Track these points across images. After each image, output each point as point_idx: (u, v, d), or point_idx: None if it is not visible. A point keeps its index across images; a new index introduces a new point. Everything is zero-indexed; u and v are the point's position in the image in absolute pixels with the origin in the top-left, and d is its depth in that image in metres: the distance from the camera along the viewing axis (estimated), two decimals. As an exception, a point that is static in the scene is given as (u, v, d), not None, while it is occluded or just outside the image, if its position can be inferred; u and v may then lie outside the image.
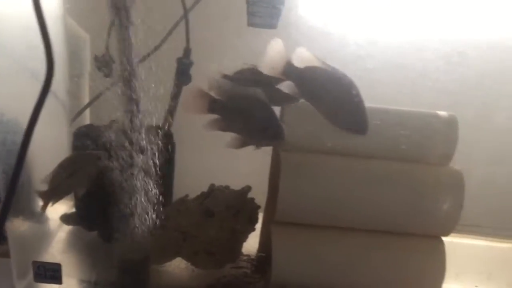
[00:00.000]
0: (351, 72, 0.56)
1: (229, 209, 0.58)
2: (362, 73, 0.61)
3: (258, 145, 0.56)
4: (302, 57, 0.53)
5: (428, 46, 0.63)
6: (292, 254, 0.54)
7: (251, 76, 0.56)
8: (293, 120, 0.54)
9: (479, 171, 0.63)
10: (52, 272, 0.50)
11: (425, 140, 0.54)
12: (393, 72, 0.63)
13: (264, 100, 0.53)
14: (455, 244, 0.67)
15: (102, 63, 0.56)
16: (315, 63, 0.53)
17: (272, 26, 0.57)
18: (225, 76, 0.56)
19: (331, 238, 0.54)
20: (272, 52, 0.53)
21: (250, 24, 0.60)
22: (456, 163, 0.55)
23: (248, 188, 0.58)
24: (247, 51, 0.63)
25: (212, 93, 0.55)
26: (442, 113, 0.55)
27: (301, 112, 0.55)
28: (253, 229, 0.60)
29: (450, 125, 0.54)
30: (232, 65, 0.59)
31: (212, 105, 0.54)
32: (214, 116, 0.55)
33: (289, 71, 0.53)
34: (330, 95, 0.53)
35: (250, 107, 0.54)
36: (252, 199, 0.59)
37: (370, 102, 0.54)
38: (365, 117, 0.52)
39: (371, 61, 0.63)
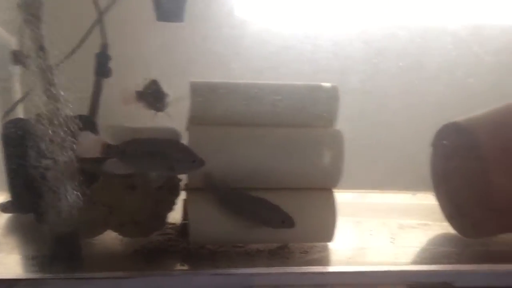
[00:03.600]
0: (256, 54, 0.66)
1: (151, 183, 0.66)
2: (268, 55, 0.70)
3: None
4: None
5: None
6: (206, 216, 0.63)
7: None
8: (199, 98, 0.63)
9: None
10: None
11: (311, 108, 0.64)
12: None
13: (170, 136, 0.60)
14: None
15: (19, 58, 0.62)
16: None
17: (179, 19, 0.64)
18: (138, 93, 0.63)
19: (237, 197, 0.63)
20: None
21: (159, 19, 0.67)
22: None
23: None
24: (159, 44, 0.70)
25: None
26: (325, 84, 0.65)
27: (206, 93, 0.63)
28: (174, 202, 0.68)
29: (332, 94, 0.64)
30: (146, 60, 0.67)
31: (107, 150, 0.58)
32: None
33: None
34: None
35: (153, 147, 0.58)
36: (174, 174, 0.67)
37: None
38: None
39: (271, 46, 0.73)
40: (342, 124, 0.65)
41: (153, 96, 0.65)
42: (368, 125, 0.74)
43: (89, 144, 0.58)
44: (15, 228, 0.68)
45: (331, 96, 0.65)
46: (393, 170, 0.80)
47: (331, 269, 0.63)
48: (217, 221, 0.63)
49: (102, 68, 0.71)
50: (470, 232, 0.67)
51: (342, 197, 0.77)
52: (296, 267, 0.62)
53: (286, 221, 0.61)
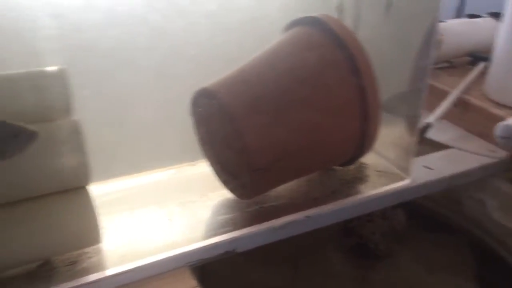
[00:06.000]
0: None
1: None
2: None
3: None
4: None
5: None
6: None
7: None
8: None
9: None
10: None
11: (38, 99, 0.54)
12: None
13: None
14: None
15: None
16: None
17: None
18: None
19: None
20: None
21: None
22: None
23: None
24: None
25: None
26: (51, 68, 0.55)
27: None
28: None
29: (60, 80, 0.54)
30: None
31: None
32: None
33: None
34: None
35: None
36: None
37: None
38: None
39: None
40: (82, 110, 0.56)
41: None
42: (111, 107, 0.66)
43: None
44: None
45: (59, 82, 0.54)
46: (158, 148, 0.75)
47: (105, 273, 0.56)
48: None
49: None
50: (243, 194, 0.67)
51: (105, 189, 0.71)
52: (61, 284, 0.54)
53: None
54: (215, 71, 0.62)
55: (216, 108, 0.61)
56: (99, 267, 0.57)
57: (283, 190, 0.72)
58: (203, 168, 0.75)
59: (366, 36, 0.72)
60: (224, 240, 0.61)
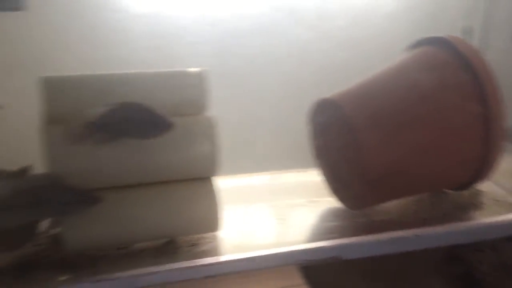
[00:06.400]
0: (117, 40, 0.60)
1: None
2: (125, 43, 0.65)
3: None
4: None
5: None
6: (79, 222, 0.58)
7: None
8: (52, 94, 0.57)
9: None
10: None
11: (178, 96, 0.61)
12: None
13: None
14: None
15: None
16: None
17: (18, 7, 0.58)
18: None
19: (113, 198, 0.59)
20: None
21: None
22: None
23: (28, 167, 0.60)
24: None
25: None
26: (193, 69, 0.62)
27: (61, 88, 0.58)
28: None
29: (200, 80, 0.62)
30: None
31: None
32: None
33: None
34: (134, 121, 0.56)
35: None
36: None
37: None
38: (165, 116, 0.57)
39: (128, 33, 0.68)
40: (216, 109, 0.63)
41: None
42: (239, 109, 0.72)
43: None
44: None
45: (199, 82, 0.62)
46: (276, 151, 0.80)
47: (220, 259, 0.61)
48: (93, 224, 0.58)
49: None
50: (353, 204, 0.69)
51: (227, 183, 0.76)
52: (182, 262, 0.60)
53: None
54: (338, 83, 0.65)
55: (337, 118, 0.64)
56: (216, 252, 0.62)
57: (392, 206, 0.72)
58: (314, 175, 0.78)
59: (494, 60, 0.70)
60: (331, 246, 0.63)
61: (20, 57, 0.62)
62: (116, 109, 0.56)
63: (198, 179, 0.62)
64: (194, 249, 0.63)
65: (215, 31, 0.64)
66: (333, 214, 0.71)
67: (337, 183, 0.71)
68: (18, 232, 0.60)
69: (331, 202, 0.73)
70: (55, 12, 0.61)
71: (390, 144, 0.62)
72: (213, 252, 0.63)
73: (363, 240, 0.65)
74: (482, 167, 0.68)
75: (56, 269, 0.60)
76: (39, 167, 0.57)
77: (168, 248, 0.63)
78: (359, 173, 0.61)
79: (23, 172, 0.59)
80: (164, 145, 0.59)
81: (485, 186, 0.77)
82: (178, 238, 0.64)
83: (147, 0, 0.64)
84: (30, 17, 0.59)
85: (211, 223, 0.63)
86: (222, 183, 0.75)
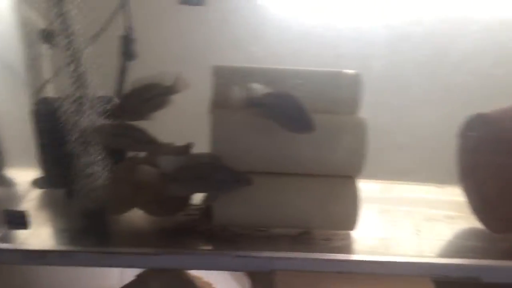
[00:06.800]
0: (277, 40, 0.65)
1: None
2: (288, 41, 0.70)
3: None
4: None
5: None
6: (229, 199, 0.63)
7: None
8: (222, 81, 0.63)
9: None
10: (20, 219, 0.59)
11: (333, 94, 0.64)
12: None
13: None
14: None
15: (47, 37, 0.63)
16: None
17: (200, 2, 0.64)
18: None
19: (261, 182, 0.63)
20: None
21: (181, 1, 0.67)
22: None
23: (191, 145, 0.67)
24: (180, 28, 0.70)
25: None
26: (347, 71, 0.64)
27: (229, 77, 0.64)
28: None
29: (354, 81, 0.64)
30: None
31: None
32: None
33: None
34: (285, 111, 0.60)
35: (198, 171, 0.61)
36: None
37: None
38: (311, 118, 0.60)
39: (291, 32, 0.72)
40: (365, 111, 0.64)
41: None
42: (392, 113, 0.72)
43: (147, 176, 0.63)
44: (47, 202, 0.70)
45: (354, 83, 0.64)
46: (417, 161, 0.79)
47: (354, 257, 0.62)
48: (240, 204, 0.63)
49: (127, 51, 0.72)
50: (498, 227, 0.66)
51: (363, 186, 0.77)
52: (319, 253, 0.62)
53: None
54: (499, 99, 0.63)
55: (494, 135, 0.61)
56: (350, 249, 0.64)
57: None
58: (451, 191, 0.76)
59: None
60: (473, 265, 0.61)
61: (195, 48, 0.69)
62: (275, 94, 0.60)
63: (342, 177, 0.64)
64: (329, 244, 0.65)
65: (389, 34, 0.65)
66: (472, 233, 0.69)
67: (482, 202, 0.68)
68: (174, 201, 0.68)
69: (469, 221, 0.70)
70: (230, 8, 0.67)
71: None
72: (347, 249, 0.64)
73: (508, 265, 0.61)
74: None
75: (202, 239, 0.66)
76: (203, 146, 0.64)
77: (303, 238, 0.66)
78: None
79: (186, 148, 0.66)
80: (315, 140, 0.62)
81: None
82: (313, 230, 0.67)
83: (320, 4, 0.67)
84: (208, 11, 0.65)
85: (349, 221, 0.64)
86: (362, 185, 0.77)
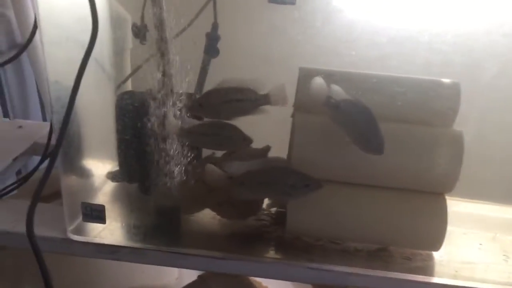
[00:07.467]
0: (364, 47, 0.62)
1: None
2: (375, 47, 0.66)
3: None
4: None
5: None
6: (305, 208, 0.60)
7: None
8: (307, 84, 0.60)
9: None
10: (98, 213, 0.59)
11: (431, 105, 0.59)
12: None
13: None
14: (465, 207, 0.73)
15: (138, 31, 0.63)
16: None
17: (291, 2, 0.62)
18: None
19: (340, 193, 0.60)
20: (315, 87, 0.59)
21: (271, 0, 0.65)
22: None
23: (267, 147, 0.65)
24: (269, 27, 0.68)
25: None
26: (446, 80, 0.59)
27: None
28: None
29: (452, 91, 0.59)
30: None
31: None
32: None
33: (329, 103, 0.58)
34: (357, 123, 0.57)
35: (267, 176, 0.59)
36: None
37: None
38: (382, 141, 0.56)
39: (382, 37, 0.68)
40: (461, 124, 0.59)
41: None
42: (491, 128, 0.66)
43: (214, 176, 0.62)
44: (122, 197, 0.71)
45: (452, 94, 0.59)
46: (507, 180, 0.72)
47: (437, 280, 0.58)
48: (316, 214, 0.60)
49: (211, 48, 0.71)
50: None
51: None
52: (397, 273, 0.58)
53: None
54: None
55: None
56: (432, 272, 0.59)
57: None
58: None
59: None
60: None
61: (282, 48, 0.67)
62: (352, 102, 0.56)
63: (431, 193, 0.59)
64: (409, 263, 0.60)
65: (498, 44, 0.60)
66: None
67: None
68: (246, 205, 0.66)
69: None
70: (318, 9, 0.64)
71: None
72: (428, 271, 0.60)
73: None
74: None
75: (272, 246, 0.64)
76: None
77: (381, 255, 0.62)
78: None
79: (264, 151, 0.64)
80: (407, 152, 0.58)
81: None
82: (392, 247, 0.63)
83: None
84: (297, 10, 0.63)
85: (433, 242, 0.59)
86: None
